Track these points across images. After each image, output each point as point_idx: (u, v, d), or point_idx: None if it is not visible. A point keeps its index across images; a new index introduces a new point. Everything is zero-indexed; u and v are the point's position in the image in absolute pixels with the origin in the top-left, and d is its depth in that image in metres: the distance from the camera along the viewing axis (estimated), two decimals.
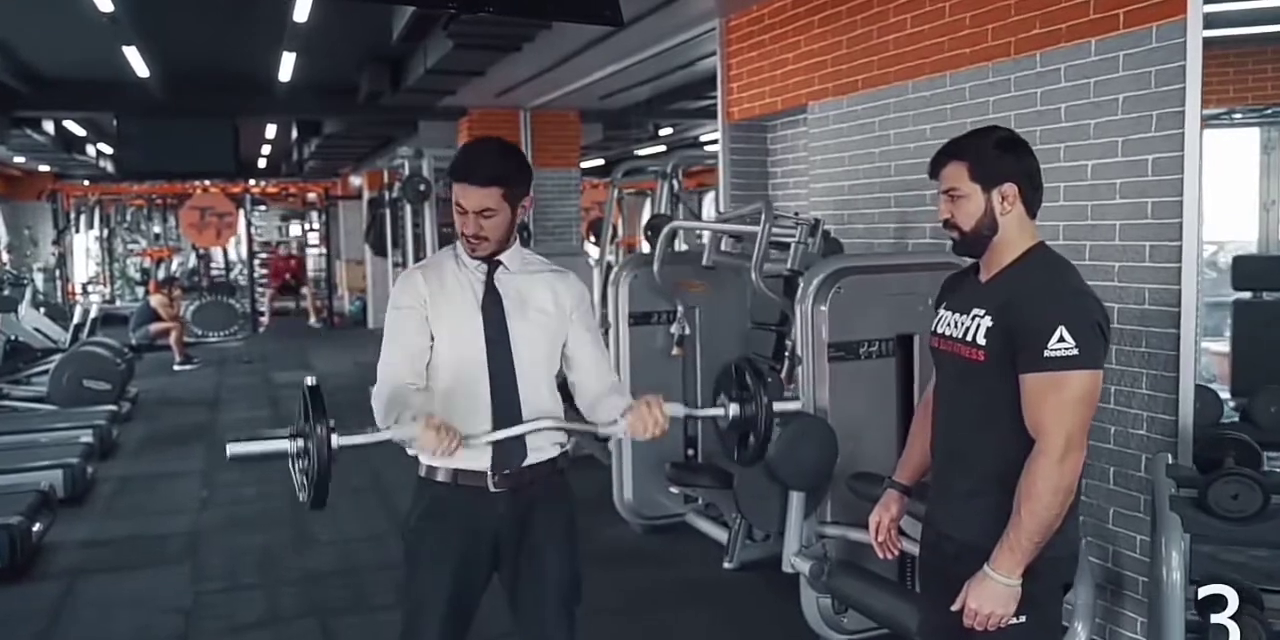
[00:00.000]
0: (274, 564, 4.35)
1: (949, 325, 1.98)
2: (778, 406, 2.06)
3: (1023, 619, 1.81)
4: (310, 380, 1.89)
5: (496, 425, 2.05)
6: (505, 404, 2.07)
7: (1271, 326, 4.83)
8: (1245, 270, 4.95)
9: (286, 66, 7.30)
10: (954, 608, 1.85)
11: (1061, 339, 1.76)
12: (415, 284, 2.10)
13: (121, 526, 4.97)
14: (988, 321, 1.87)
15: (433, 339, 2.07)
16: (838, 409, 3.12)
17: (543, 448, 2.12)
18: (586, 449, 5.09)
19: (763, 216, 3.54)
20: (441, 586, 2.07)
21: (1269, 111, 6.22)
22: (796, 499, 3.04)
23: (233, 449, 1.86)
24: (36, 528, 4.40)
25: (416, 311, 2.07)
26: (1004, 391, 1.84)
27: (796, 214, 3.67)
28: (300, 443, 1.81)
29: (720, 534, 4.13)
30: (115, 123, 8.78)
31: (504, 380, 2.07)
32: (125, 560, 4.45)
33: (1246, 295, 4.94)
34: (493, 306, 2.09)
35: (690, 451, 4.62)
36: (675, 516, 4.52)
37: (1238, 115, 6.30)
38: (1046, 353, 1.76)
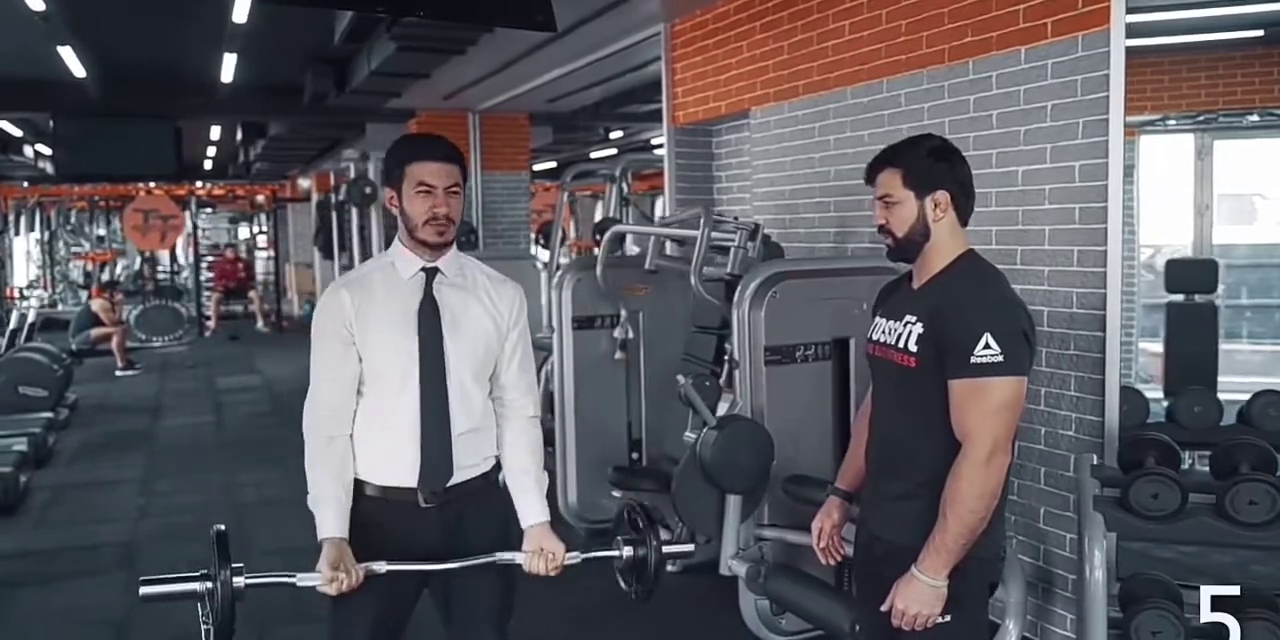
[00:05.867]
0: None
1: (884, 332, 2.01)
2: (668, 549, 2.13)
3: (949, 619, 1.85)
4: (219, 526, 1.97)
5: (425, 438, 2.03)
6: (435, 418, 2.03)
7: (1200, 328, 4.96)
8: (1176, 273, 5.07)
9: (228, 67, 7.19)
10: (883, 608, 1.88)
11: (987, 346, 1.79)
12: (340, 304, 2.02)
13: (54, 537, 4.85)
14: (919, 328, 1.90)
15: (360, 360, 2.03)
16: (774, 412, 3.14)
17: (475, 465, 2.10)
18: None
19: (702, 221, 3.56)
20: (367, 604, 2.03)
21: (1200, 118, 6.37)
22: (733, 502, 3.05)
23: (144, 591, 1.88)
24: None
25: (341, 337, 2.02)
26: (935, 397, 1.87)
27: (736, 218, 3.70)
28: (208, 584, 1.88)
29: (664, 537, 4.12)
30: (51, 124, 8.57)
31: (435, 394, 2.03)
32: (56, 571, 4.33)
33: (1179, 297, 5.06)
34: (430, 316, 2.02)
35: (635, 454, 4.62)
36: None
37: (1171, 122, 6.46)
38: (972, 359, 1.80)
